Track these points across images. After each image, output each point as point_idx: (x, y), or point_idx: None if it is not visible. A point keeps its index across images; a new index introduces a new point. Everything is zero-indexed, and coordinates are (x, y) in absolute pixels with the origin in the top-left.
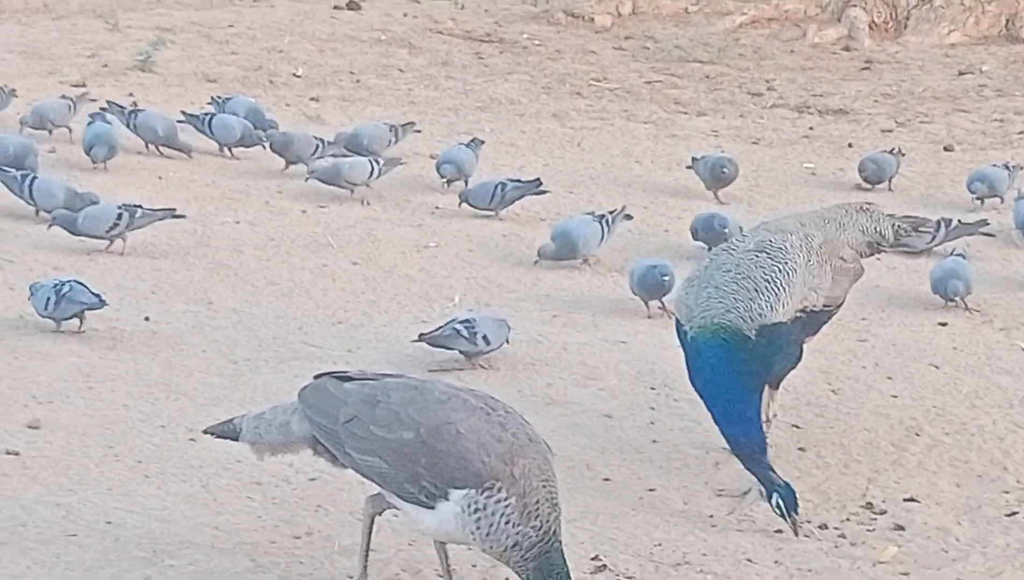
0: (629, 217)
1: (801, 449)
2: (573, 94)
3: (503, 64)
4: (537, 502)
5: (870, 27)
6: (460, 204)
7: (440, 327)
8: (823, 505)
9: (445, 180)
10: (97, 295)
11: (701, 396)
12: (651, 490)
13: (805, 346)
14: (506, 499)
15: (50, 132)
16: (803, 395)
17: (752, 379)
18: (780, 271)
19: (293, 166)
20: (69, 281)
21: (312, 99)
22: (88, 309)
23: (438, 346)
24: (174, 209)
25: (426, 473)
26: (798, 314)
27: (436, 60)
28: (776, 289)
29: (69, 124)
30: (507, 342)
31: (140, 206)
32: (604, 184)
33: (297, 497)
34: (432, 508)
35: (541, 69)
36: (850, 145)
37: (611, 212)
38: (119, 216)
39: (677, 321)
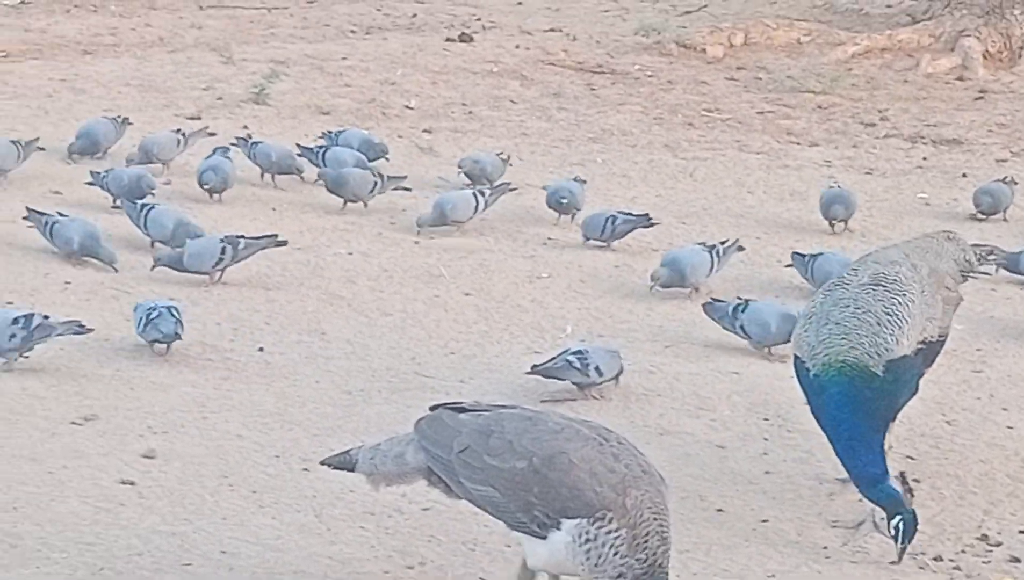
0: (741, 249)
1: (916, 480)
2: (685, 125)
3: (615, 95)
4: (647, 534)
5: (984, 57)
6: (585, 238)
7: (553, 358)
8: (938, 537)
9: (563, 205)
10: (176, 325)
11: (825, 432)
12: (764, 521)
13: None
14: (616, 530)
15: (166, 165)
16: (918, 426)
17: (877, 418)
18: (900, 304)
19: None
20: (162, 306)
21: (425, 131)
22: (164, 341)
23: (551, 377)
24: (276, 236)
25: (538, 502)
26: (919, 346)
27: (548, 91)
28: (898, 322)
29: (176, 157)
30: (620, 373)
31: (242, 236)
32: (716, 215)
33: (410, 527)
34: (544, 538)
35: (653, 100)
36: (964, 175)
37: (723, 243)
38: (223, 250)
39: (797, 358)
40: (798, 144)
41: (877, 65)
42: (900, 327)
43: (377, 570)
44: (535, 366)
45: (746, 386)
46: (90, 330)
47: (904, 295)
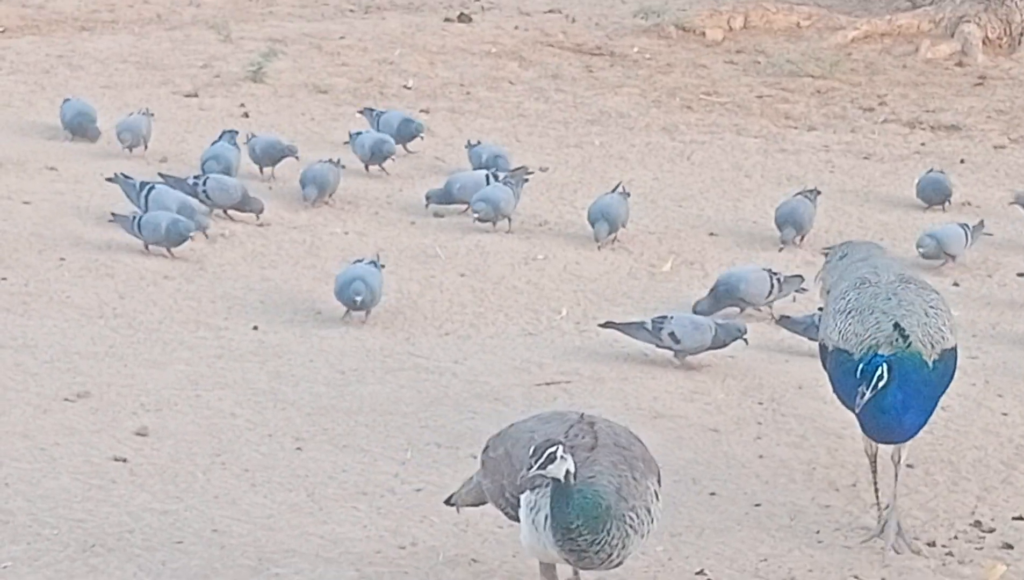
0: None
1: (909, 466)
2: (683, 108)
3: (613, 77)
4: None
5: (984, 43)
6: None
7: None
8: (931, 522)
9: (477, 217)
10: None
11: (898, 415)
12: (757, 505)
13: None
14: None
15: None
16: None
17: (935, 403)
18: (937, 298)
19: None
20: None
21: (422, 111)
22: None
23: (624, 333)
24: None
25: (508, 485)
26: (954, 345)
27: (546, 73)
28: (941, 316)
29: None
30: (718, 345)
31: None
32: (713, 198)
33: (403, 507)
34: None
35: (651, 83)
36: (962, 161)
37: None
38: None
39: (838, 350)
40: (796, 128)
41: (877, 50)
42: (945, 321)
43: (368, 550)
44: (610, 322)
45: (741, 370)
46: None
47: (936, 294)
